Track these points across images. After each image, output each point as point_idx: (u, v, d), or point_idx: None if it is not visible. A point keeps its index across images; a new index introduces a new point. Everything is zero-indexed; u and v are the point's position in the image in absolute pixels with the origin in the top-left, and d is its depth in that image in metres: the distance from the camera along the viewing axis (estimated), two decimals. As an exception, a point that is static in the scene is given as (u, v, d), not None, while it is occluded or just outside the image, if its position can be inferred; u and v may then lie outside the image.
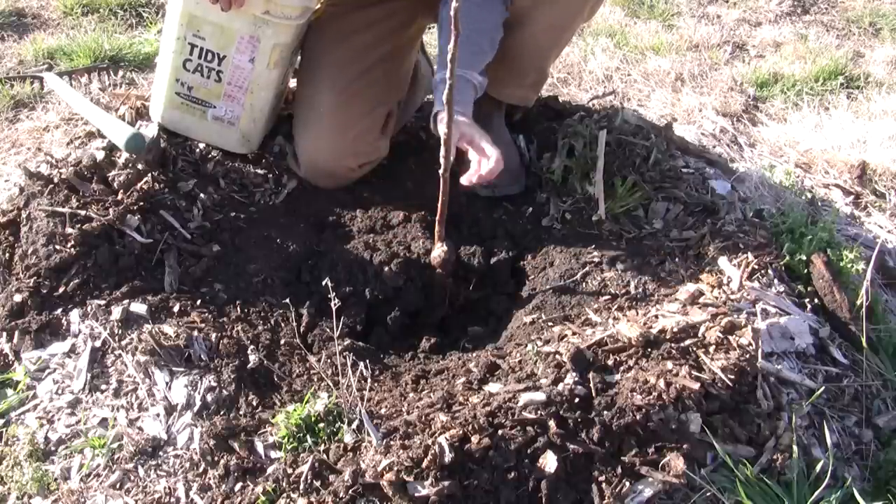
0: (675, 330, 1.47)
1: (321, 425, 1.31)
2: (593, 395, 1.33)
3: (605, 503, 1.22)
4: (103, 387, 1.43)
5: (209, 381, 1.41)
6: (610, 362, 1.43)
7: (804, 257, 1.71)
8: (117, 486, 1.30)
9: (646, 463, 1.27)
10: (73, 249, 1.58)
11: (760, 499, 1.27)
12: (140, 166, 1.74)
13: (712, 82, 2.82)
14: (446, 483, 1.18)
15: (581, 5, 1.81)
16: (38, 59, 2.71)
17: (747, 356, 1.43)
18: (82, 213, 1.65)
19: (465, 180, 1.69)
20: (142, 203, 1.71)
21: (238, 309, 1.62)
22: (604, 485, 1.24)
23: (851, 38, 3.29)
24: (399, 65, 2.03)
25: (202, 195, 1.82)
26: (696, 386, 1.34)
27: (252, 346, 1.50)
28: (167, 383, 1.41)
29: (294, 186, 1.96)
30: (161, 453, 1.33)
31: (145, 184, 1.75)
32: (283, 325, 1.63)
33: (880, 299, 1.76)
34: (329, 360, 1.51)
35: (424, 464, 1.19)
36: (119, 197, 1.72)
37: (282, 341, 1.58)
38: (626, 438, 1.28)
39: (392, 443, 1.24)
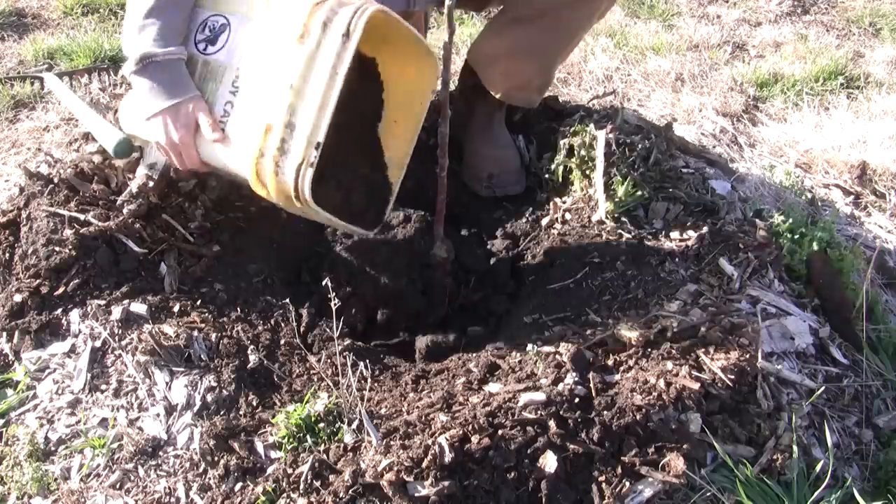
0: (675, 330, 1.47)
1: (321, 425, 1.31)
2: (593, 395, 1.33)
3: (604, 503, 1.22)
4: (103, 387, 1.43)
5: (209, 381, 1.41)
6: (610, 362, 1.43)
7: (804, 257, 1.71)
8: (117, 486, 1.30)
9: (646, 463, 1.27)
10: (72, 250, 1.58)
11: (760, 499, 1.27)
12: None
13: (712, 82, 2.82)
14: (446, 483, 1.18)
15: (591, 11, 1.81)
16: (38, 59, 2.71)
17: (747, 356, 1.43)
18: (82, 217, 1.64)
19: None
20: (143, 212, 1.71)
21: (238, 309, 1.62)
22: (604, 485, 1.24)
23: (851, 38, 3.29)
24: None
25: (203, 195, 1.82)
26: (696, 386, 1.34)
27: (252, 346, 1.50)
28: (167, 383, 1.41)
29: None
30: (161, 453, 1.33)
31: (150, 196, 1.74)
32: (283, 325, 1.63)
33: (880, 299, 1.76)
34: (329, 360, 1.51)
35: (424, 464, 1.19)
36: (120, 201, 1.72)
37: (282, 341, 1.58)
38: (626, 438, 1.28)
39: (392, 443, 1.24)
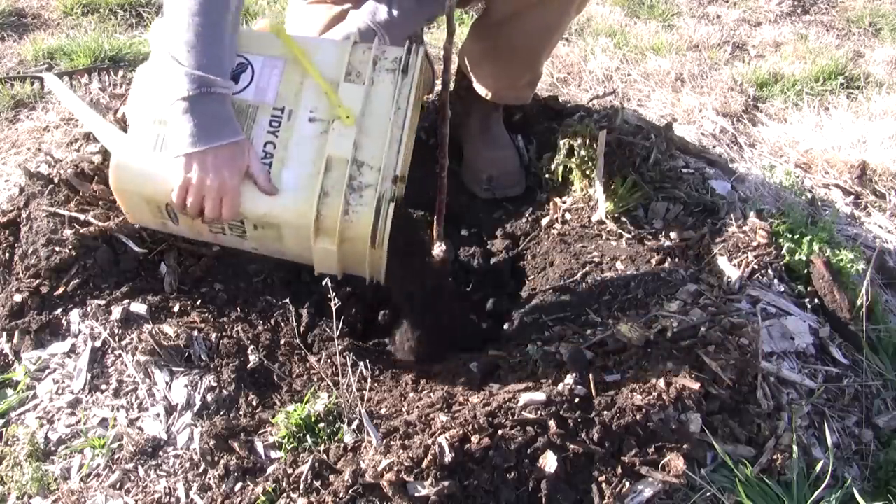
0: (675, 330, 1.47)
1: (321, 425, 1.31)
2: (593, 395, 1.33)
3: (604, 503, 1.22)
4: (103, 387, 1.43)
5: (209, 381, 1.41)
6: (610, 362, 1.43)
7: (804, 257, 1.71)
8: (117, 486, 1.30)
9: (646, 463, 1.27)
10: (72, 250, 1.58)
11: (760, 499, 1.27)
12: None
13: (712, 82, 2.82)
14: (446, 483, 1.18)
15: (569, 5, 1.81)
16: (38, 59, 2.71)
17: (747, 356, 1.43)
18: (82, 217, 1.64)
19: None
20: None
21: (238, 309, 1.62)
22: (604, 485, 1.24)
23: (851, 38, 3.29)
24: None
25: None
26: (696, 386, 1.34)
27: (252, 346, 1.50)
28: (167, 383, 1.41)
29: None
30: (161, 453, 1.33)
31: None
32: (283, 325, 1.63)
33: (880, 299, 1.76)
34: (329, 360, 1.51)
35: (424, 464, 1.19)
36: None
37: (282, 341, 1.58)
38: (626, 438, 1.28)
39: (392, 443, 1.25)
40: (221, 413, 1.37)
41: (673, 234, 1.81)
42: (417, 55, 1.40)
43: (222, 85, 1.32)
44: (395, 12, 1.52)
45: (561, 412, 1.29)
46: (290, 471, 1.25)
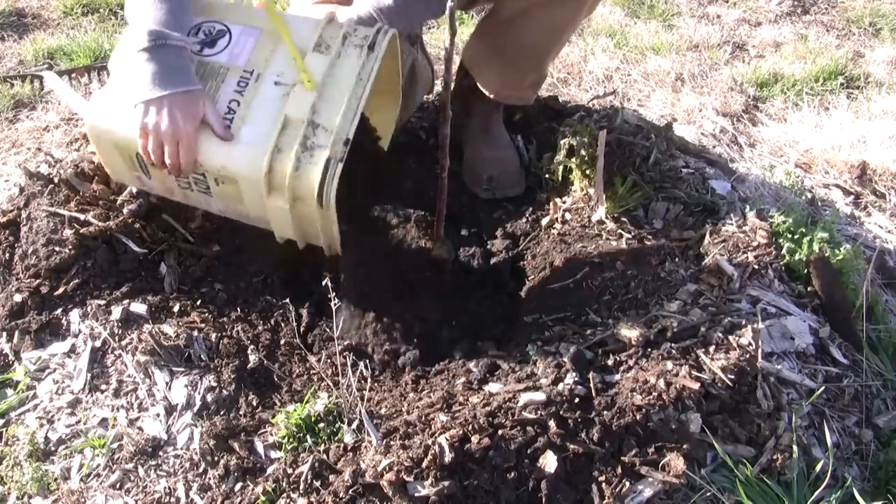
0: (675, 330, 1.47)
1: (321, 425, 1.31)
2: (593, 395, 1.33)
3: (604, 503, 1.22)
4: (103, 387, 1.43)
5: (209, 381, 1.41)
6: (610, 362, 1.43)
7: (804, 257, 1.71)
8: (117, 486, 1.30)
9: (646, 463, 1.27)
10: (73, 250, 1.58)
11: (760, 499, 1.27)
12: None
13: (712, 82, 2.82)
14: (446, 483, 1.18)
15: (578, 7, 1.80)
16: (38, 59, 2.71)
17: (747, 356, 1.43)
18: (82, 217, 1.64)
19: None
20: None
21: (238, 309, 1.62)
22: (604, 485, 1.24)
23: (851, 38, 3.29)
24: None
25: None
26: (696, 386, 1.34)
27: (252, 346, 1.50)
28: (167, 383, 1.41)
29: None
30: (161, 453, 1.33)
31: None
32: (283, 325, 1.63)
33: (880, 299, 1.76)
34: (329, 360, 1.51)
35: (424, 464, 1.19)
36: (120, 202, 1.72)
37: (282, 341, 1.58)
38: (626, 438, 1.28)
39: (392, 443, 1.25)
40: (221, 413, 1.37)
41: (673, 234, 1.81)
42: (385, 35, 1.47)
43: (177, 38, 1.40)
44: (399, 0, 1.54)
45: (561, 412, 1.29)
46: (290, 471, 1.25)
